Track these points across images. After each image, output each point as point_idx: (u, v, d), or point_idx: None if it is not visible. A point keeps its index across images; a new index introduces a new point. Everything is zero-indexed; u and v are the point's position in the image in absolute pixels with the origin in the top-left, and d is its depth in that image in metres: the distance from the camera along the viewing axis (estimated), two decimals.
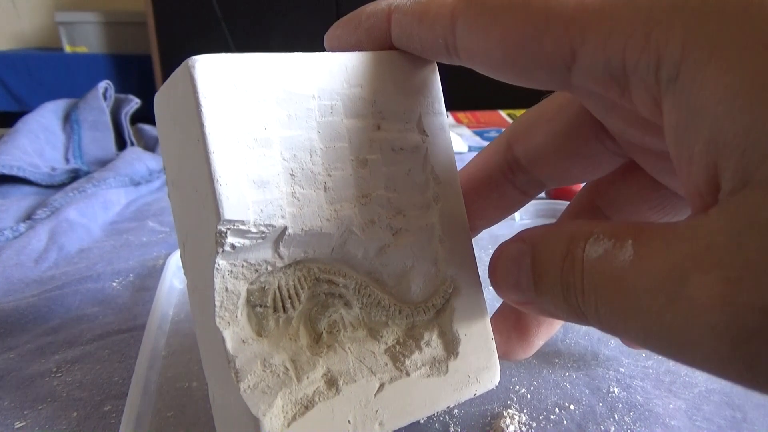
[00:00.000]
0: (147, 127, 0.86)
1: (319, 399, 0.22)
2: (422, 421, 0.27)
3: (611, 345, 0.34)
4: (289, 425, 0.21)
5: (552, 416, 0.28)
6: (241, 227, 0.20)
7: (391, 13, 0.22)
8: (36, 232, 0.52)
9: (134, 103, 0.81)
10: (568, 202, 0.55)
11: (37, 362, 0.34)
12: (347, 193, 0.23)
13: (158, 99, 0.23)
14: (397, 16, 0.22)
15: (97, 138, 0.76)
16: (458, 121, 1.04)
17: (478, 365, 0.25)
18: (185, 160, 0.22)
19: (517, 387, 0.30)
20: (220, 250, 0.20)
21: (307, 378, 0.22)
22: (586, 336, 0.35)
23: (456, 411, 0.28)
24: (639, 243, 0.14)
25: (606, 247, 0.15)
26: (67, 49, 2.24)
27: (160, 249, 0.51)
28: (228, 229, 0.20)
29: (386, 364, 0.24)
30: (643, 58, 0.15)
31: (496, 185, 0.27)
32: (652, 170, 0.23)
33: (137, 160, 0.70)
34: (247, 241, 0.21)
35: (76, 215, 0.56)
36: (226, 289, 0.21)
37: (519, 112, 1.11)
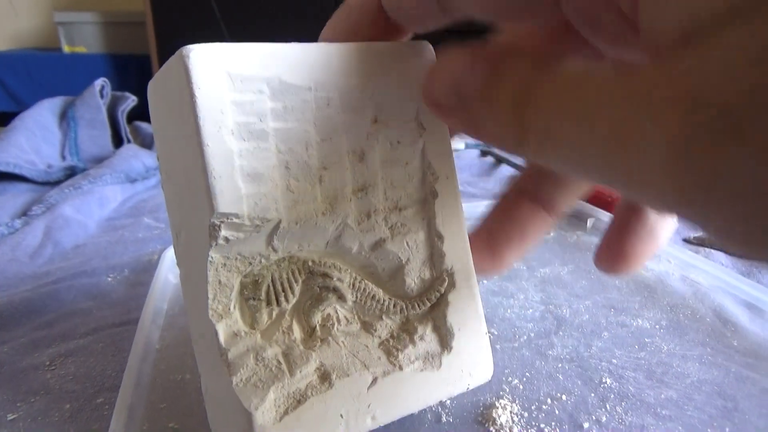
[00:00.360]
0: (144, 125, 0.86)
1: (311, 393, 0.22)
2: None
3: (604, 337, 0.34)
4: (281, 419, 0.21)
5: (544, 406, 0.28)
6: (235, 220, 0.20)
7: None
8: (31, 228, 0.52)
9: (131, 100, 0.81)
10: None
11: (31, 356, 0.34)
12: (343, 186, 0.22)
13: (152, 87, 0.23)
14: None
15: (94, 135, 0.76)
16: None
17: (472, 360, 0.25)
18: (179, 150, 0.21)
19: (510, 378, 0.30)
20: (214, 243, 0.20)
21: (300, 372, 0.22)
22: (579, 328, 0.35)
23: (448, 402, 0.28)
24: (622, 69, 0.14)
25: (584, 63, 0.15)
26: (66, 49, 2.24)
27: (156, 245, 0.51)
28: (221, 222, 0.20)
29: (380, 358, 0.24)
30: None
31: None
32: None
33: (134, 157, 0.70)
34: (240, 234, 0.20)
35: (72, 211, 0.56)
36: (219, 282, 0.21)
37: None
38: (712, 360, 0.31)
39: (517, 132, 0.16)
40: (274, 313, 0.22)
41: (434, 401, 0.25)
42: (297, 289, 0.23)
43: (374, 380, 0.23)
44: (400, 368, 0.24)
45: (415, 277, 0.25)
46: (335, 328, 0.23)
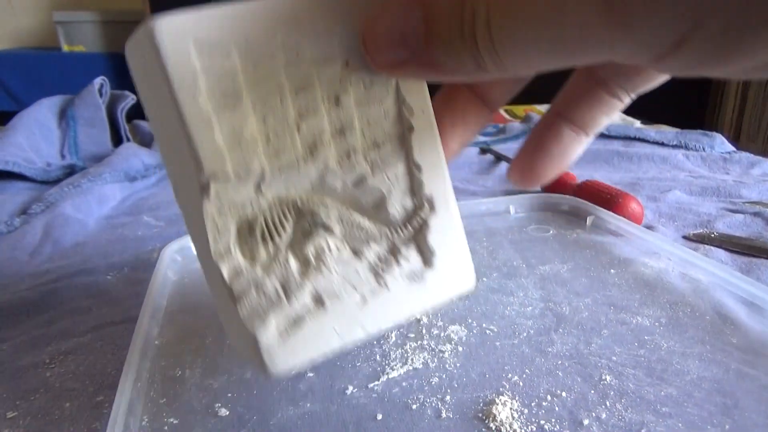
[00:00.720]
0: (143, 123, 0.86)
1: (307, 316, 0.25)
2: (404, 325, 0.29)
3: (604, 334, 0.34)
4: (282, 339, 0.24)
5: (544, 403, 0.28)
6: (222, 176, 0.22)
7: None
8: (31, 226, 0.52)
9: (130, 99, 0.81)
10: (562, 197, 0.55)
11: (31, 354, 0.34)
12: (321, 132, 0.24)
13: (128, 50, 0.24)
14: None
15: (93, 134, 0.76)
16: None
17: (453, 273, 0.28)
18: (162, 115, 0.23)
19: (510, 375, 0.30)
20: (206, 196, 0.22)
21: (296, 298, 0.25)
22: (579, 326, 0.35)
23: (448, 398, 0.28)
24: None
25: None
26: (65, 48, 2.24)
27: (155, 242, 0.51)
28: (209, 179, 0.22)
29: (368, 280, 0.26)
30: None
31: None
32: None
33: (133, 155, 0.70)
34: (228, 187, 0.23)
35: (72, 210, 0.56)
36: (217, 228, 0.23)
37: (516, 108, 1.11)
38: (711, 357, 0.31)
39: (472, 56, 0.18)
40: (271, 249, 0.25)
41: (419, 311, 0.27)
42: (288, 226, 0.25)
43: (363, 299, 0.26)
44: (387, 287, 0.26)
45: (398, 206, 0.27)
46: (327, 257, 0.26)
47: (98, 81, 0.80)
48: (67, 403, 0.30)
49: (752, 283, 0.38)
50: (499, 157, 0.77)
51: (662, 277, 0.41)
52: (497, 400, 0.28)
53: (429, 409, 0.28)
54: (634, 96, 0.25)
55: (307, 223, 0.26)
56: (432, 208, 0.27)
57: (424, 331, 0.34)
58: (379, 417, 0.27)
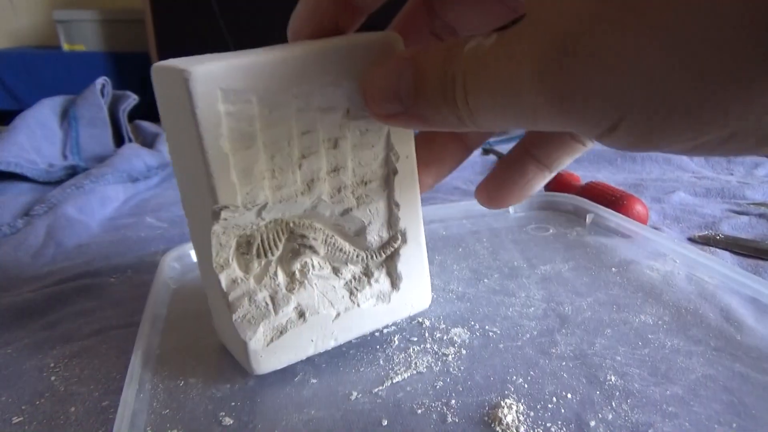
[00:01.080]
0: (145, 124, 0.85)
1: (290, 326, 0.30)
2: (369, 337, 0.34)
3: (607, 334, 0.34)
4: (268, 345, 0.29)
5: (549, 405, 0.28)
6: (232, 207, 0.26)
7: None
8: (34, 228, 0.52)
9: (132, 99, 0.81)
10: (563, 196, 0.55)
11: (35, 357, 0.34)
12: (319, 169, 0.28)
13: (156, 75, 0.27)
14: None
15: (95, 134, 0.76)
16: None
17: (414, 295, 0.34)
18: (183, 141, 0.26)
19: (514, 377, 0.30)
20: (216, 221, 0.26)
21: (282, 311, 0.29)
22: (581, 326, 0.35)
23: (453, 402, 0.28)
24: (500, 35, 0.18)
25: (478, 40, 0.19)
26: (65, 47, 2.23)
27: (159, 244, 0.51)
28: (221, 209, 0.26)
29: (343, 297, 0.31)
30: None
31: (417, 31, 0.30)
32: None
33: (135, 156, 0.70)
34: (236, 215, 0.26)
35: (74, 211, 0.56)
36: (220, 244, 0.27)
37: None
38: (716, 356, 0.31)
39: (454, 113, 0.20)
40: (263, 263, 0.29)
41: (382, 325, 0.33)
42: (281, 244, 0.29)
43: (338, 315, 0.31)
44: (358, 305, 0.31)
45: (375, 235, 0.31)
46: (310, 273, 0.30)
47: (100, 81, 0.80)
48: (73, 407, 0.30)
49: (759, 283, 0.37)
50: (501, 158, 0.77)
51: (666, 277, 0.41)
52: (503, 403, 0.28)
53: (434, 413, 0.28)
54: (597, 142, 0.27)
55: (296, 244, 0.30)
56: (404, 240, 0.32)
57: (426, 334, 0.34)
58: (385, 423, 0.27)
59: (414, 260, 0.33)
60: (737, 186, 0.63)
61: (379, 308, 0.32)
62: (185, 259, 0.44)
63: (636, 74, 0.14)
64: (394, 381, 0.30)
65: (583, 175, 0.63)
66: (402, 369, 0.31)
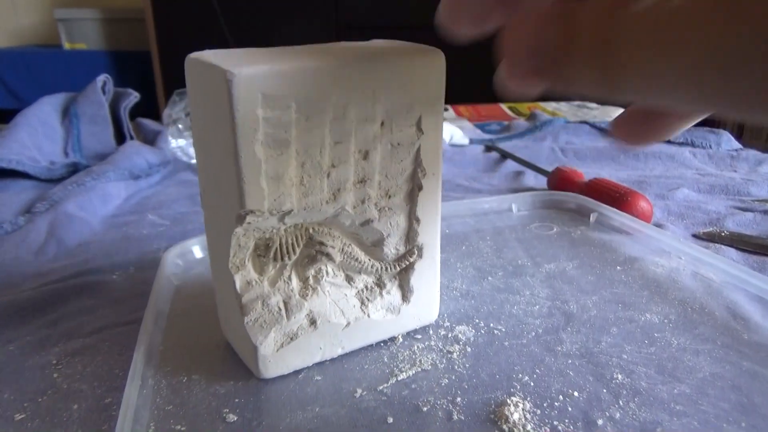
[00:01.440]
0: (146, 121, 0.85)
1: (300, 333, 0.29)
2: (374, 344, 0.33)
3: (613, 332, 0.34)
4: (278, 351, 0.29)
5: (556, 403, 0.28)
6: (258, 212, 0.25)
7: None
8: (35, 225, 0.52)
9: (133, 97, 0.80)
10: (566, 195, 0.54)
11: (37, 354, 0.34)
12: (346, 180, 0.27)
13: (191, 66, 0.26)
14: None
15: (96, 132, 0.75)
16: (459, 114, 1.04)
17: (423, 309, 0.33)
18: (214, 139, 0.26)
19: (520, 375, 0.30)
20: (239, 224, 0.26)
21: (294, 317, 0.29)
22: (587, 324, 0.34)
23: (459, 399, 0.28)
24: None
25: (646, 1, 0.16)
26: (66, 45, 2.23)
27: (160, 241, 0.50)
28: (247, 213, 0.25)
29: (354, 306, 0.31)
30: None
31: None
32: None
33: (136, 153, 0.69)
34: (260, 218, 0.26)
35: (76, 209, 0.55)
36: (239, 245, 0.27)
37: (520, 105, 1.10)
38: (723, 354, 0.31)
39: (606, 76, 0.17)
40: (278, 266, 0.29)
41: (389, 336, 0.33)
42: (298, 249, 0.29)
43: (347, 324, 0.31)
44: (369, 316, 0.31)
45: (392, 248, 0.31)
46: (324, 279, 0.30)
47: (101, 78, 0.80)
48: (75, 404, 0.30)
49: (765, 280, 0.37)
50: (504, 155, 0.76)
51: (671, 275, 0.41)
52: (509, 401, 0.28)
53: (440, 411, 0.27)
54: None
55: (314, 250, 0.29)
56: (420, 255, 0.32)
57: (431, 331, 0.34)
58: (390, 420, 0.27)
59: (427, 275, 0.33)
60: (741, 182, 0.63)
61: (388, 320, 0.32)
62: (187, 256, 0.43)
63: None
64: (399, 378, 0.30)
65: (586, 172, 0.62)
66: (407, 366, 0.31)
